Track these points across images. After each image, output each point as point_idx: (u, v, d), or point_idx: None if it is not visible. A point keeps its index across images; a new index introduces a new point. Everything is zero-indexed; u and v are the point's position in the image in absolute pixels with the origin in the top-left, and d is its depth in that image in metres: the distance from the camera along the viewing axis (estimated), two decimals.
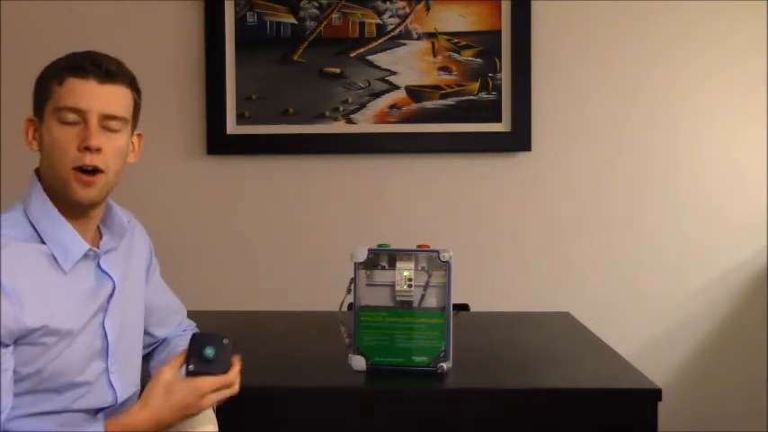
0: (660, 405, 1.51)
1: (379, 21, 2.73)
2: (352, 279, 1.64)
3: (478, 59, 2.72)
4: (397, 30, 2.73)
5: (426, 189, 2.78)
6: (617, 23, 2.72)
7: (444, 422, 1.53)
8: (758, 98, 2.70)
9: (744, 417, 2.70)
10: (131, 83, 1.37)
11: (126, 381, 1.42)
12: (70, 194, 1.31)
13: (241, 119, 2.76)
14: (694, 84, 2.72)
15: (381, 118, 2.74)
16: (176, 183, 2.81)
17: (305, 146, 2.76)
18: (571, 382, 1.60)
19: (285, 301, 2.64)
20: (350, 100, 2.74)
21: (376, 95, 2.74)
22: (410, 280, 1.61)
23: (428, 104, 2.73)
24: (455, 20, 2.72)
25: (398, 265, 1.62)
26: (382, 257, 1.63)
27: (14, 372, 1.25)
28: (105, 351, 1.37)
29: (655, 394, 1.51)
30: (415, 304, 1.62)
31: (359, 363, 1.63)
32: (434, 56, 2.73)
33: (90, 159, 1.30)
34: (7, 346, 1.23)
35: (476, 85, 2.72)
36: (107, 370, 1.37)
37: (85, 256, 1.34)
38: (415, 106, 2.73)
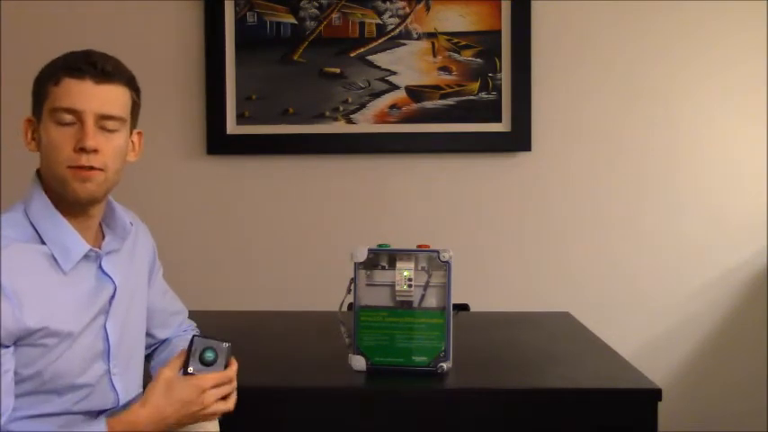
0: (660, 405, 1.51)
1: (379, 21, 2.73)
2: (352, 279, 1.64)
3: (478, 59, 2.72)
4: (397, 30, 2.73)
5: (426, 189, 2.78)
6: (617, 23, 2.72)
7: (444, 422, 1.53)
8: (758, 98, 2.70)
9: (744, 417, 2.70)
10: (129, 82, 1.36)
11: (128, 383, 1.41)
12: (69, 191, 1.30)
13: (241, 119, 2.76)
14: (694, 84, 2.72)
15: (381, 118, 2.74)
16: (176, 183, 2.81)
17: (305, 146, 2.76)
18: (571, 382, 1.60)
19: (285, 301, 2.63)
20: (350, 100, 2.74)
21: (376, 95, 2.74)
22: (410, 280, 1.61)
23: (428, 104, 2.73)
24: (455, 20, 2.72)
25: (398, 265, 1.62)
26: (382, 257, 1.63)
27: (15, 373, 1.25)
28: (107, 353, 1.37)
29: (655, 394, 1.51)
30: (415, 304, 1.62)
31: (359, 363, 1.63)
32: (434, 56, 2.73)
33: (86, 160, 1.29)
34: (7, 347, 1.23)
35: (476, 85, 2.72)
36: (109, 372, 1.37)
37: (86, 256, 1.34)
38: (415, 106, 2.73)
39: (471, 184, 2.77)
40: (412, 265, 1.62)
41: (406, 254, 1.62)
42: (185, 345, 1.39)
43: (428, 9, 2.72)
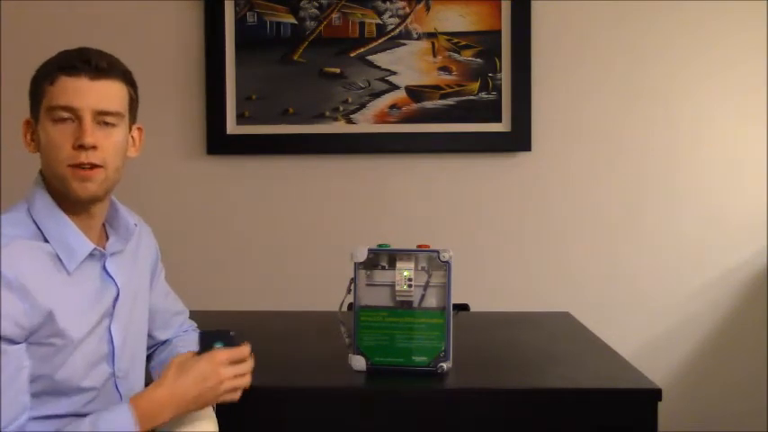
0: (660, 405, 1.51)
1: (379, 21, 2.73)
2: (352, 279, 1.64)
3: (478, 59, 2.72)
4: (397, 30, 2.73)
5: (426, 189, 2.78)
6: (617, 23, 2.72)
7: (444, 422, 1.53)
8: (758, 98, 2.70)
9: (744, 417, 2.70)
10: (125, 77, 1.36)
11: (131, 385, 1.41)
12: (70, 192, 1.30)
13: (241, 119, 2.76)
14: (694, 84, 2.72)
15: (381, 118, 2.74)
16: (176, 183, 2.81)
17: (305, 146, 2.76)
18: (571, 382, 1.60)
19: (285, 301, 2.64)
20: (350, 100, 2.74)
21: (376, 95, 2.74)
22: (410, 280, 1.61)
23: (428, 104, 2.73)
24: (455, 20, 2.72)
25: (398, 265, 1.62)
26: (382, 257, 1.63)
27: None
28: (111, 356, 1.37)
29: (655, 394, 1.51)
30: (415, 304, 1.62)
31: (359, 363, 1.63)
32: (434, 56, 2.73)
33: (86, 157, 1.29)
34: (19, 343, 1.23)
35: (476, 85, 2.72)
36: (114, 375, 1.37)
37: (91, 256, 1.33)
38: (415, 106, 2.73)
39: (471, 184, 2.77)
40: (412, 265, 1.62)
41: (406, 254, 1.62)
42: (185, 345, 1.39)
43: (428, 9, 2.72)
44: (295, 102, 2.75)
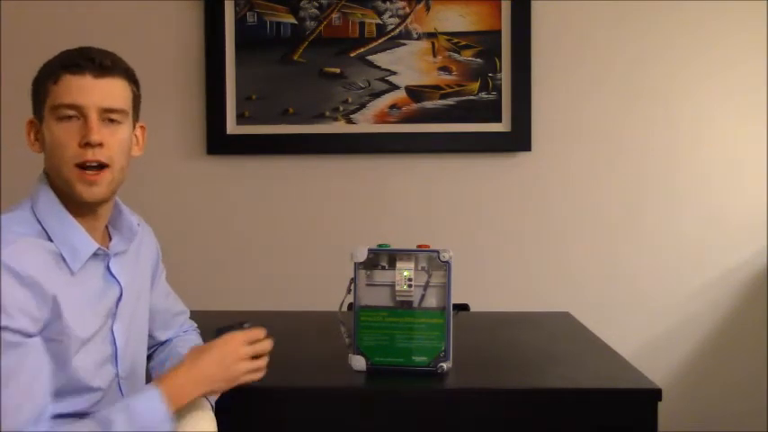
0: (660, 405, 1.51)
1: (379, 21, 2.73)
2: (352, 279, 1.64)
3: (478, 59, 2.72)
4: (397, 30, 2.73)
5: (426, 189, 2.78)
6: (617, 23, 2.72)
7: (444, 422, 1.53)
8: (758, 98, 2.70)
9: (744, 417, 2.70)
10: (128, 75, 1.36)
11: (134, 385, 1.41)
12: (74, 194, 1.30)
13: (241, 119, 2.76)
14: (694, 84, 2.72)
15: (381, 118, 2.74)
16: (176, 183, 2.81)
17: (305, 146, 2.76)
18: (571, 382, 1.60)
19: (285, 301, 2.64)
20: (350, 100, 2.74)
21: (376, 95, 2.74)
22: (410, 280, 1.61)
23: (428, 104, 2.73)
24: (455, 20, 2.72)
25: (398, 265, 1.62)
26: (382, 257, 1.63)
27: None
28: (115, 357, 1.37)
29: (655, 394, 1.51)
30: (415, 304, 1.62)
31: (359, 363, 1.63)
32: (434, 56, 2.73)
33: (93, 155, 1.28)
34: (35, 335, 1.22)
35: (476, 85, 2.72)
36: (117, 376, 1.37)
37: (95, 255, 1.33)
38: (415, 106, 2.73)
39: (471, 184, 2.77)
40: (412, 265, 1.61)
41: (406, 254, 1.62)
42: (186, 345, 1.39)
43: (428, 9, 2.72)
44: (295, 102, 2.75)
